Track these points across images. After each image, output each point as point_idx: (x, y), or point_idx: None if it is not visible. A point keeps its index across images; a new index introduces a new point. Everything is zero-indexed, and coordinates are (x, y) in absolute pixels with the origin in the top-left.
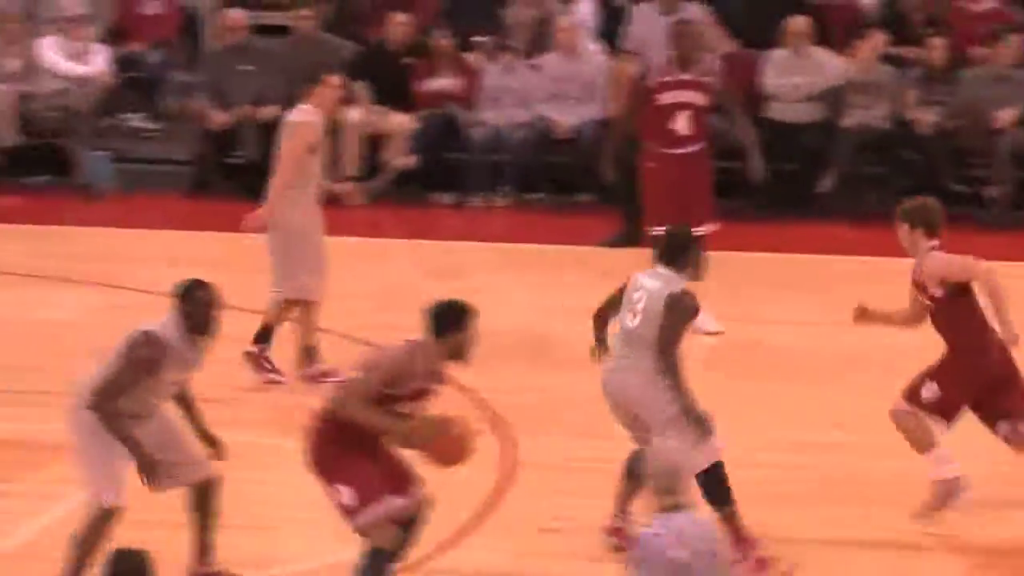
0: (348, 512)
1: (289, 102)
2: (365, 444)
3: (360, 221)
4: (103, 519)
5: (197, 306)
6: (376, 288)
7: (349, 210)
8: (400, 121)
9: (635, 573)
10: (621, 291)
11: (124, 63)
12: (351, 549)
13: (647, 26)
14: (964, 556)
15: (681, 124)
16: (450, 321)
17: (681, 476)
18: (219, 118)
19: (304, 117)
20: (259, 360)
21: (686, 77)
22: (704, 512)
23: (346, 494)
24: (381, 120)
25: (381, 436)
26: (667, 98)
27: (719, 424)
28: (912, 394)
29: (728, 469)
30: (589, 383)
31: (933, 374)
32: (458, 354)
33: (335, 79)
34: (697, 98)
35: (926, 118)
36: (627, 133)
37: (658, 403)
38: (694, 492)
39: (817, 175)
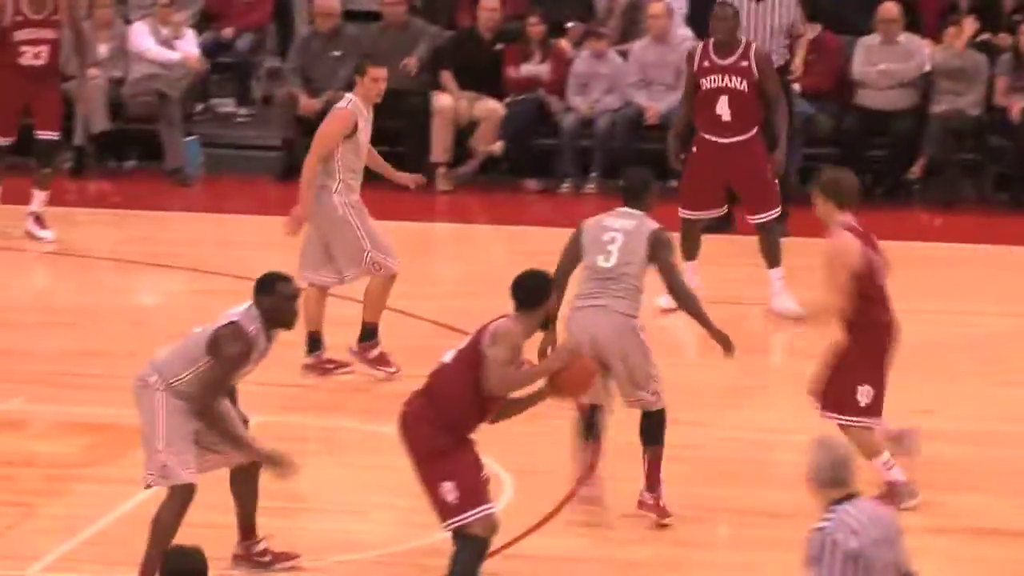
0: (448, 510)
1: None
2: (469, 440)
3: (448, 207)
4: (186, 499)
5: (279, 299)
6: (463, 274)
7: (438, 196)
8: (490, 107)
9: (814, 572)
10: (575, 243)
11: (215, 48)
12: (439, 534)
13: None
14: None
15: (723, 110)
16: (539, 293)
17: (851, 466)
18: (309, 103)
19: (344, 105)
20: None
21: (725, 62)
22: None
23: (451, 493)
24: (471, 106)
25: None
26: (707, 83)
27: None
28: (846, 406)
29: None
30: (685, 369)
31: (857, 378)
32: (544, 325)
33: (379, 71)
34: (737, 83)
35: (1017, 105)
36: (687, 121)
37: (637, 355)
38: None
39: (907, 162)
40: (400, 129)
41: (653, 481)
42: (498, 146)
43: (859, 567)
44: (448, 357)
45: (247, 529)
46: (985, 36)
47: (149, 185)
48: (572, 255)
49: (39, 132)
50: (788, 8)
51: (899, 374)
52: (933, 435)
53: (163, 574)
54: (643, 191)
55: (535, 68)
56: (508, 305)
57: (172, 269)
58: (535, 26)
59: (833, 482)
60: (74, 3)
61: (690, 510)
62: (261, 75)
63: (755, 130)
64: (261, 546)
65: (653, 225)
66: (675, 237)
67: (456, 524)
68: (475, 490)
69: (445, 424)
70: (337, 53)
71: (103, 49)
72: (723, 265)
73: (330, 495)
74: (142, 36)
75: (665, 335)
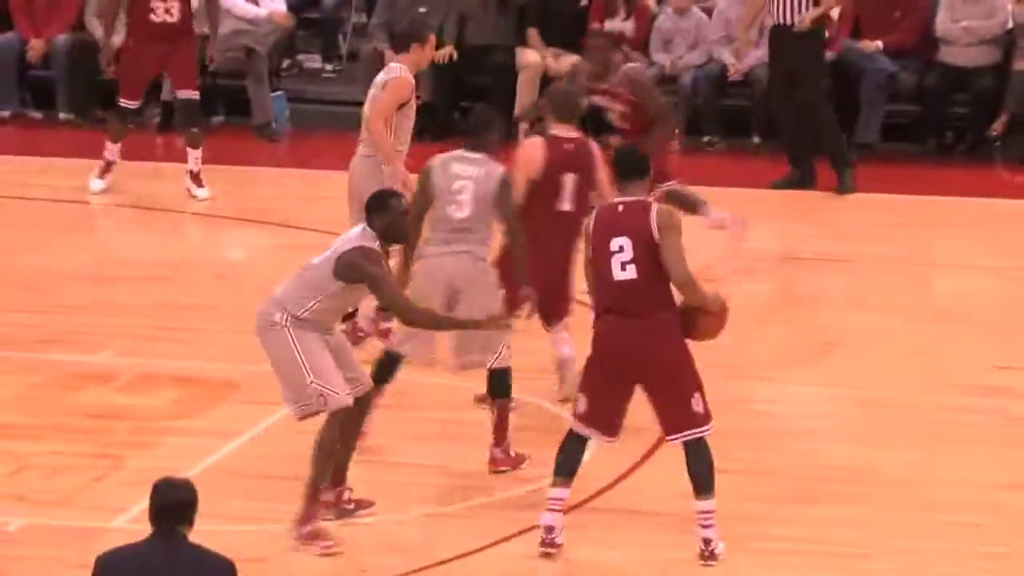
0: (696, 420)
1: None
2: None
3: None
4: (338, 421)
5: (393, 215)
6: None
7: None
8: (574, 62)
9: None
10: (423, 191)
11: (302, 4)
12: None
13: None
14: None
15: None
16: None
17: None
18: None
19: (400, 73)
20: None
21: None
22: None
23: (699, 404)
24: (556, 61)
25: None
26: None
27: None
28: None
29: (903, 413)
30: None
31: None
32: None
33: (433, 38)
34: None
35: None
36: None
37: (491, 295)
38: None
39: (988, 119)
40: (486, 85)
41: (501, 436)
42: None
43: None
44: (630, 274)
45: (339, 476)
46: None
47: (236, 141)
48: (425, 199)
49: (179, 92)
50: None
51: (979, 331)
52: (1016, 392)
53: (154, 504)
54: (483, 131)
55: (619, 24)
56: None
57: (259, 224)
58: None
59: None
60: None
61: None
62: (347, 31)
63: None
64: (348, 494)
65: (498, 168)
66: None
67: (701, 433)
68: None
69: (677, 332)
70: (423, 9)
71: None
72: None
73: (407, 448)
74: None
75: None
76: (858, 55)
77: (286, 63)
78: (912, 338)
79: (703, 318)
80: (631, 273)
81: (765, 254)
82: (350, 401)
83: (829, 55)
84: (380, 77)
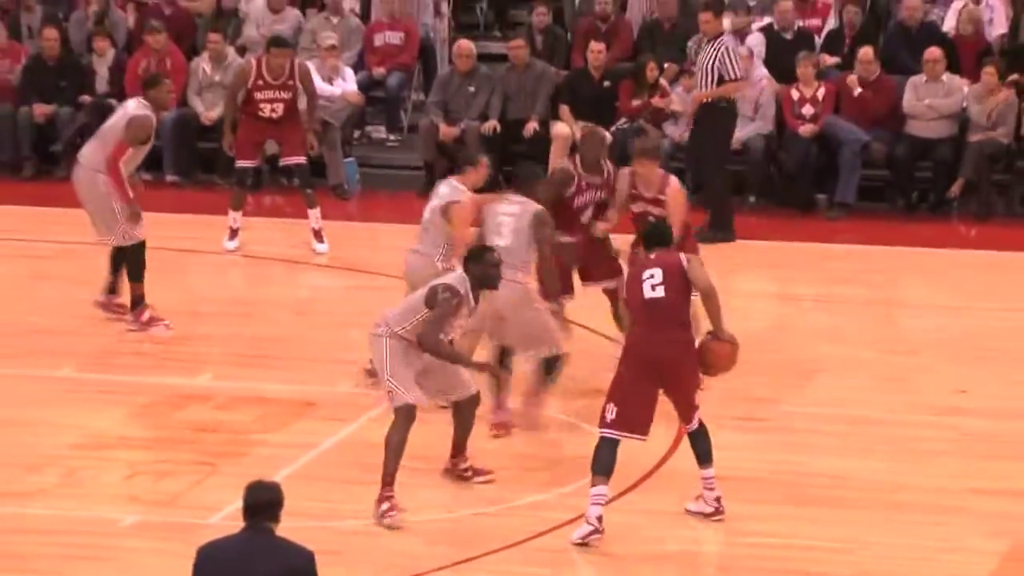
0: (695, 410)
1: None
2: None
3: None
4: (408, 418)
5: (486, 267)
6: None
7: None
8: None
9: None
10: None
11: (369, 85)
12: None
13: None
14: None
15: None
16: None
17: None
18: (448, 131)
19: (460, 196)
20: None
21: None
22: None
23: (698, 397)
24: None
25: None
26: None
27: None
28: None
29: (876, 429)
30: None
31: None
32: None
33: (486, 160)
34: None
35: None
36: None
37: (530, 314)
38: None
39: (947, 183)
40: (523, 151)
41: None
42: None
43: None
44: (659, 292)
45: (458, 448)
46: (1014, 76)
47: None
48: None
49: (289, 160)
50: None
51: (939, 361)
52: (970, 412)
53: (246, 503)
54: (528, 183)
55: (641, 102)
56: None
57: (331, 269)
58: (652, 70)
59: None
60: (305, 69)
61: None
62: (408, 107)
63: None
64: (466, 463)
65: (536, 208)
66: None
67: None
68: None
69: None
70: (472, 89)
71: None
72: None
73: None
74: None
75: None
76: (837, 128)
77: (356, 134)
78: (883, 367)
79: (717, 350)
80: (659, 292)
81: (761, 294)
82: (410, 401)
83: (813, 128)
84: (444, 191)
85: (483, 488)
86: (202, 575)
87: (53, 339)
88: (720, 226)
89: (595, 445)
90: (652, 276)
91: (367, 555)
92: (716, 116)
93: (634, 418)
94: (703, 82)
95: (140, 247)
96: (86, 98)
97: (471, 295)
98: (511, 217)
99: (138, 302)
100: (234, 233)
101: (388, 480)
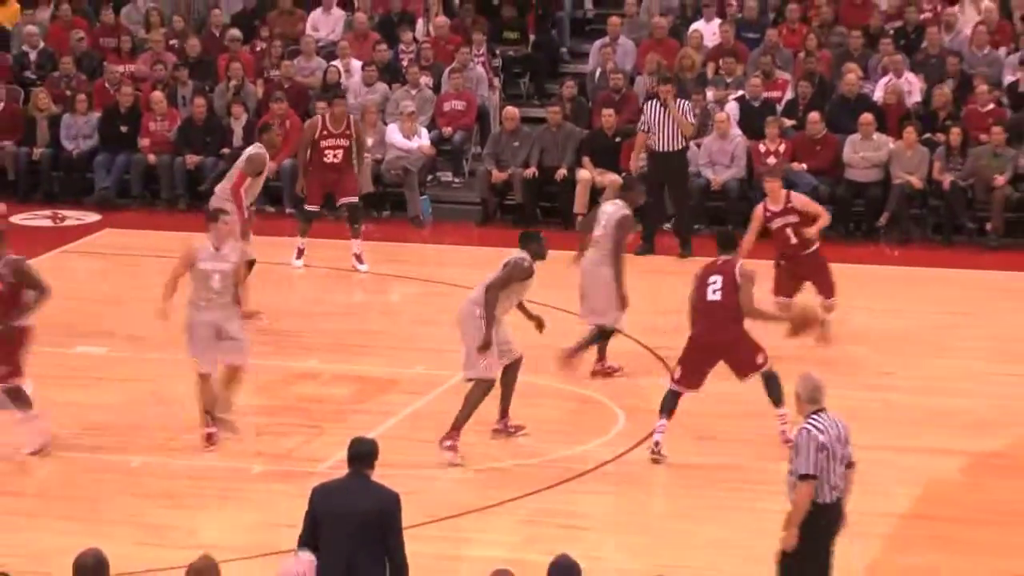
0: (759, 366)
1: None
2: None
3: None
4: (488, 384)
5: (540, 243)
6: None
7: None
8: (611, 178)
9: (798, 453)
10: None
11: (439, 140)
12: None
13: (653, 114)
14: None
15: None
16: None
17: (823, 389)
18: (498, 175)
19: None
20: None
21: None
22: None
23: (761, 357)
24: (601, 177)
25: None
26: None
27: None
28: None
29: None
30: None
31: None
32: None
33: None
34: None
35: (947, 179)
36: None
37: (608, 291)
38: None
39: (876, 215)
40: (555, 192)
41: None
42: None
43: (826, 455)
44: (718, 296)
45: (504, 411)
46: (927, 135)
47: (397, 227)
48: (587, 223)
49: (345, 199)
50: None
51: (870, 349)
52: (894, 388)
53: (350, 454)
54: (628, 190)
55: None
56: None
57: (409, 279)
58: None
59: (811, 399)
60: (358, 123)
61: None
62: (468, 157)
63: None
64: (512, 422)
65: (623, 211)
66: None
67: (762, 370)
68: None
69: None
70: (516, 144)
71: (370, 141)
72: None
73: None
74: (394, 133)
75: None
76: (794, 173)
77: (429, 178)
78: (828, 353)
79: (791, 322)
80: (718, 296)
81: None
82: (495, 375)
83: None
84: (610, 209)
85: (521, 444)
86: (315, 507)
87: None
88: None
89: (664, 394)
90: (715, 282)
91: (439, 496)
92: (677, 159)
93: (691, 380)
94: (672, 134)
95: (249, 264)
96: (225, 150)
97: (531, 265)
98: (606, 215)
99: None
100: (300, 253)
101: (458, 426)
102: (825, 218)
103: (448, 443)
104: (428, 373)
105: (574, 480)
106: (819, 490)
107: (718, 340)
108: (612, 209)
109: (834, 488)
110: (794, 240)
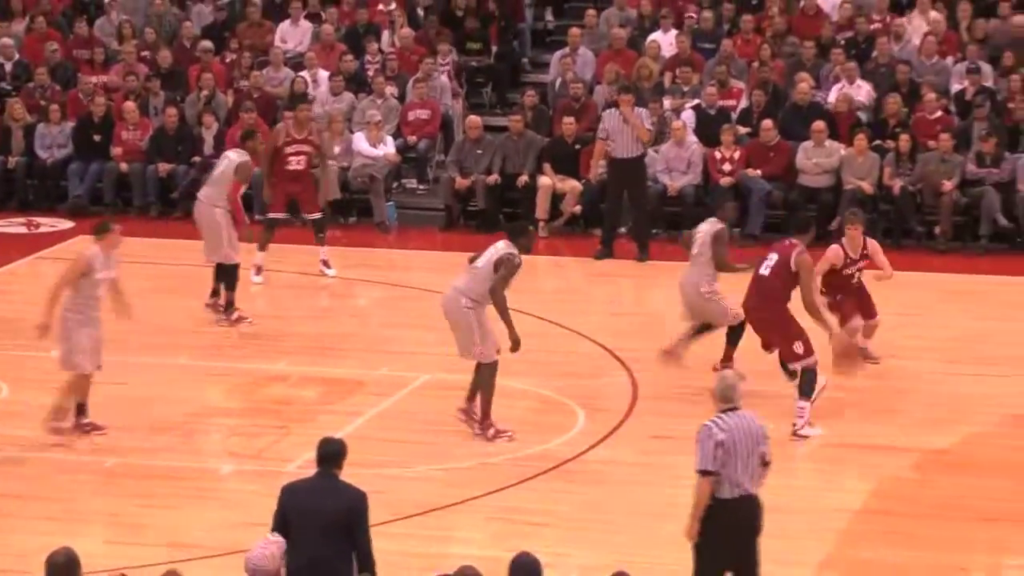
0: (797, 356)
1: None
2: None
3: (545, 246)
4: (495, 370)
5: (528, 236)
6: (559, 287)
7: (539, 240)
8: (572, 184)
9: (697, 449)
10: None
11: (404, 148)
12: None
13: (612, 122)
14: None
15: None
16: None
17: (737, 390)
18: (461, 182)
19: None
20: None
21: None
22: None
23: (799, 346)
24: (561, 183)
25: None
26: None
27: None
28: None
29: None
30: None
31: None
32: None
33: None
34: None
35: (897, 184)
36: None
37: (712, 303)
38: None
39: (829, 219)
40: (518, 198)
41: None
42: (577, 208)
43: (724, 451)
44: (767, 271)
45: (472, 395)
46: (877, 141)
47: (364, 233)
48: (686, 241)
49: (309, 216)
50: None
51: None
52: (848, 388)
53: (318, 454)
54: (721, 207)
55: (602, 162)
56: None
57: (376, 283)
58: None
59: (724, 398)
60: (321, 130)
61: None
62: (433, 164)
63: None
64: (501, 426)
65: (717, 227)
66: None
67: (799, 364)
68: (810, 343)
69: (786, 306)
70: (479, 151)
71: (337, 149)
72: None
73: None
74: (360, 141)
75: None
76: (748, 179)
77: (395, 184)
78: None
79: (833, 348)
80: (767, 271)
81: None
82: (496, 359)
83: (730, 180)
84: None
85: (484, 443)
86: (284, 506)
87: (172, 336)
88: (645, 242)
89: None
90: (769, 259)
91: (405, 494)
92: (637, 165)
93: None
94: (630, 141)
95: (235, 266)
96: (196, 159)
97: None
98: (702, 233)
99: (230, 305)
100: (259, 270)
101: (488, 413)
102: (889, 271)
103: (492, 431)
104: (394, 375)
105: (537, 478)
106: (719, 486)
107: (759, 315)
108: (707, 227)
109: (736, 485)
110: (855, 281)
